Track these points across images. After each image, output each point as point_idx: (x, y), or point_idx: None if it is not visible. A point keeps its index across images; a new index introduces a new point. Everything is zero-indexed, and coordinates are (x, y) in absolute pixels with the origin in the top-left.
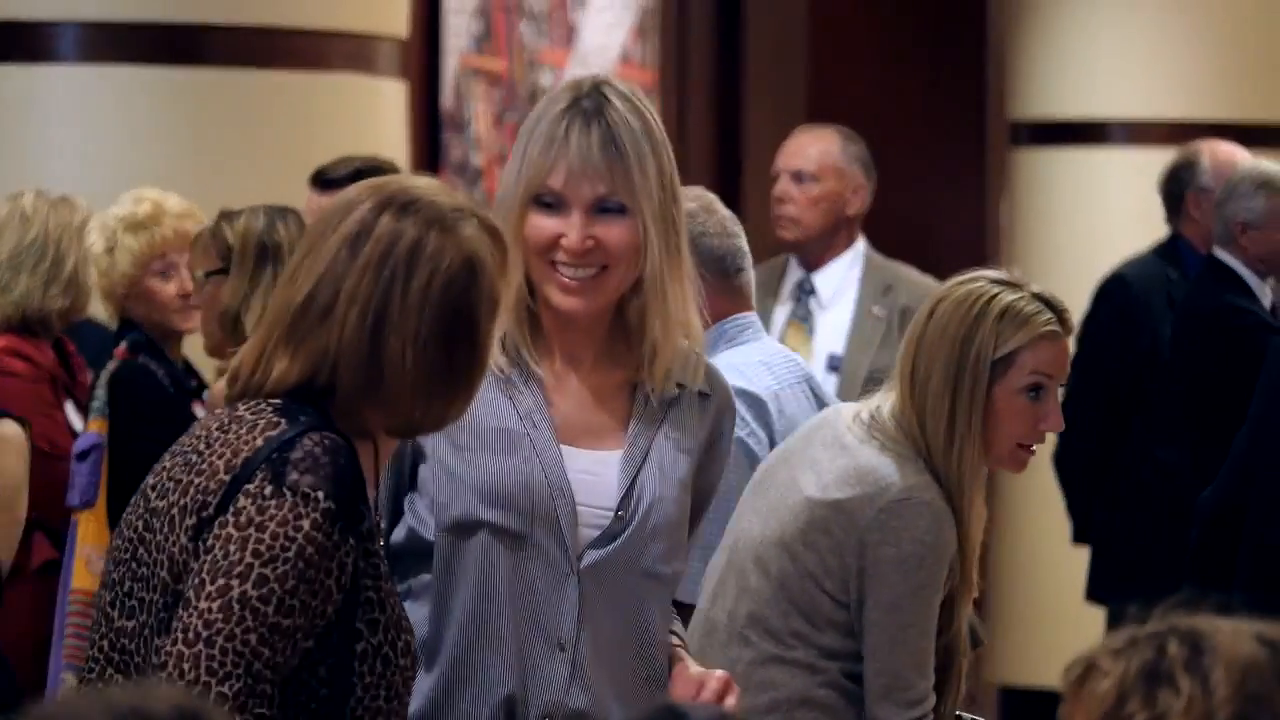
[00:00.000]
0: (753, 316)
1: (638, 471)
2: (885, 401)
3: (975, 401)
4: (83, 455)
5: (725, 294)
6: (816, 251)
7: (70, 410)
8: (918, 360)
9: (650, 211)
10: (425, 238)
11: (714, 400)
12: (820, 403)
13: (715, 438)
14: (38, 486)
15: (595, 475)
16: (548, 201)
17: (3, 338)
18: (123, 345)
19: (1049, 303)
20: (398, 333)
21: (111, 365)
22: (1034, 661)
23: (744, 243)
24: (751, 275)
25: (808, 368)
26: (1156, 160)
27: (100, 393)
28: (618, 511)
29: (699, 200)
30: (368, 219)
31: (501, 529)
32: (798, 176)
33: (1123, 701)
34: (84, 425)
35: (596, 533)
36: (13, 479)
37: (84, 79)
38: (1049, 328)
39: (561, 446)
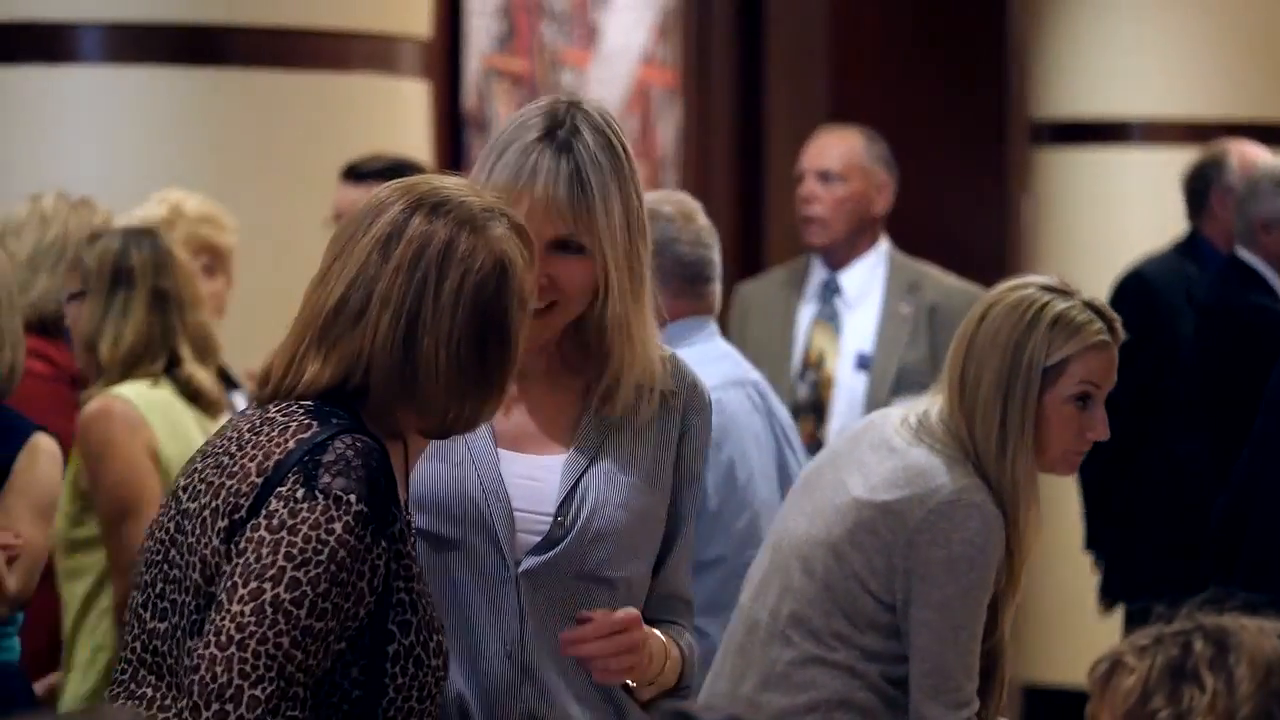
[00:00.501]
0: (710, 321)
1: (580, 476)
2: (933, 405)
3: (1027, 409)
4: None
5: (688, 298)
6: (841, 251)
7: None
8: (967, 365)
9: (612, 255)
10: (457, 239)
11: (680, 395)
12: (769, 408)
13: (684, 430)
14: None
15: (537, 480)
16: None
17: None
18: None
19: (1100, 311)
20: (431, 334)
21: None
22: (1057, 660)
23: (716, 255)
24: (718, 287)
25: (757, 374)
26: (1176, 159)
27: None
28: (557, 517)
29: (679, 207)
30: (399, 220)
31: (435, 535)
32: (824, 176)
33: (1148, 697)
34: None
35: (537, 538)
36: (53, 491)
37: (105, 80)
38: (1100, 337)
39: (501, 451)
